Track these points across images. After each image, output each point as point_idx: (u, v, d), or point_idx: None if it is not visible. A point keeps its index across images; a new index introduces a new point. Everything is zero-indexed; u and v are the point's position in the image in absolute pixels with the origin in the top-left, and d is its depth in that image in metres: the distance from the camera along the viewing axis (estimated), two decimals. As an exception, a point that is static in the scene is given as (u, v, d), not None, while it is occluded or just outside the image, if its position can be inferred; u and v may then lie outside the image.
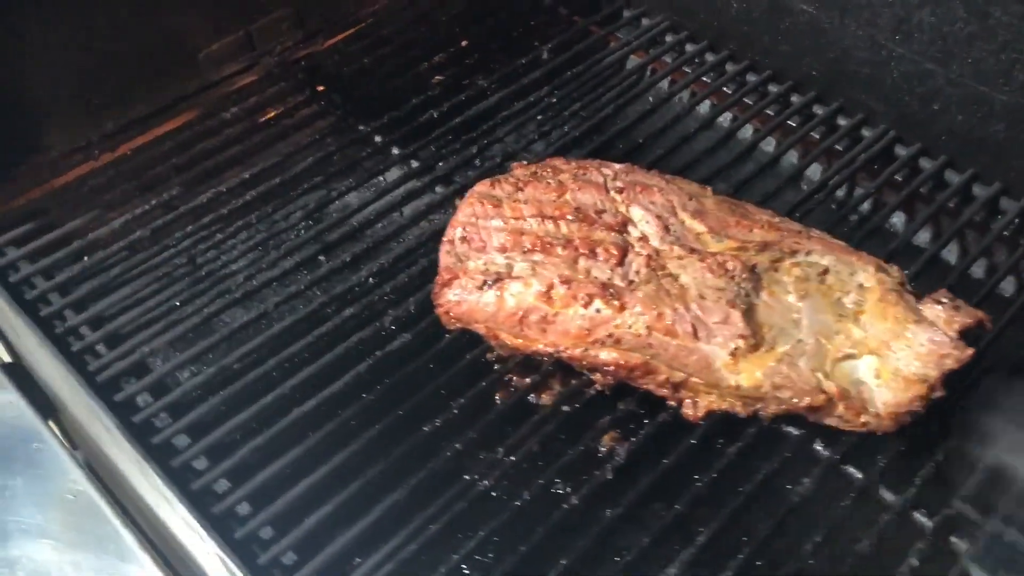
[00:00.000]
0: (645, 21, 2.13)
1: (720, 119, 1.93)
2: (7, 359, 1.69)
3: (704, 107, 1.97)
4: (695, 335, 1.30)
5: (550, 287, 1.35)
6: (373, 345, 1.46)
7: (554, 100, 1.91)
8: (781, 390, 1.28)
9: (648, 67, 2.05)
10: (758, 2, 1.93)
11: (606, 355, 1.33)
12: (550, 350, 1.37)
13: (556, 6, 2.21)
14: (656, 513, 1.28)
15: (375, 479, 1.30)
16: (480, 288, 1.39)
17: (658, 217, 1.42)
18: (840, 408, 1.28)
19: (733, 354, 1.29)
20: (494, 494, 1.30)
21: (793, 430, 1.36)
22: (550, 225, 1.42)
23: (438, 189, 1.73)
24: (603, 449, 1.36)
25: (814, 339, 1.30)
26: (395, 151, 1.80)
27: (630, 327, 1.32)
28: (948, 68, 1.67)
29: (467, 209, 1.46)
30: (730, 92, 1.96)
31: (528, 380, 1.42)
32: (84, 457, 1.51)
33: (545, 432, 1.36)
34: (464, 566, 1.26)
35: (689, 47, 2.05)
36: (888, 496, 1.30)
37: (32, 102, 1.72)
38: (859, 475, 1.32)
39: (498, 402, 1.41)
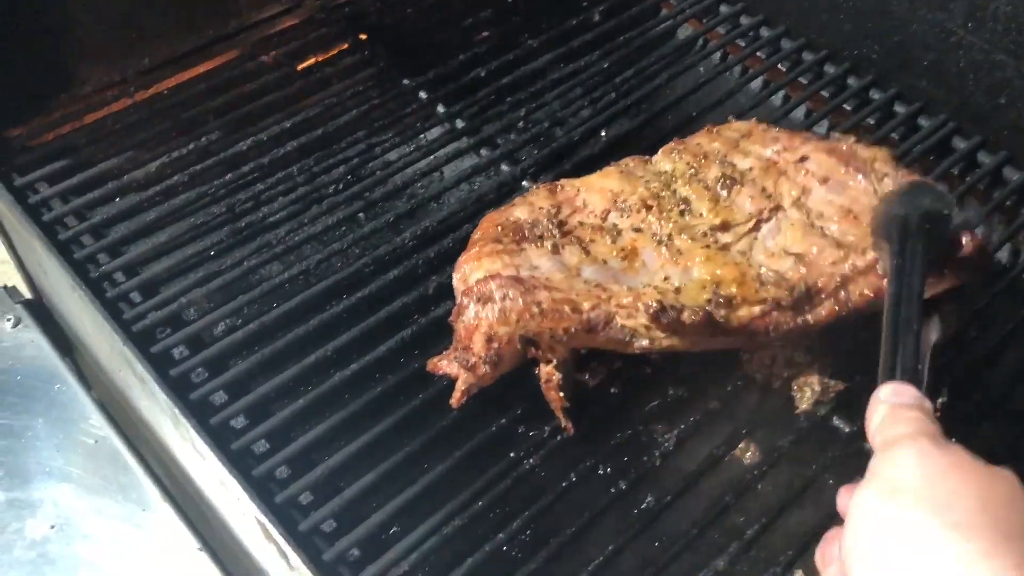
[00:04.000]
0: (699, -11, 2.07)
1: (773, 98, 1.88)
2: (27, 295, 1.65)
3: (756, 84, 1.92)
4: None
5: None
6: (417, 310, 1.42)
7: (605, 65, 1.85)
8: None
9: (701, 38, 1.99)
10: (821, -23, 1.87)
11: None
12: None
13: (608, -34, 2.14)
14: (701, 501, 1.25)
15: (417, 450, 1.27)
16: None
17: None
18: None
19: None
20: (542, 473, 1.27)
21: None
22: None
23: (483, 152, 1.67)
24: (652, 435, 1.33)
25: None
26: (440, 109, 1.74)
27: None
28: (1021, 61, 1.62)
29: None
30: (784, 70, 1.91)
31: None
32: (101, 402, 1.47)
33: (592, 413, 1.33)
34: (507, 546, 1.23)
35: (744, 20, 1.99)
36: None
37: (68, 33, 1.66)
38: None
39: (544, 378, 1.37)
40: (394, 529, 1.21)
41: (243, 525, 1.25)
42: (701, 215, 1.36)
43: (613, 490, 1.25)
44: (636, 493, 1.25)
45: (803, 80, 1.88)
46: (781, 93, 1.88)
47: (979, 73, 1.69)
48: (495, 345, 1.20)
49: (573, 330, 1.20)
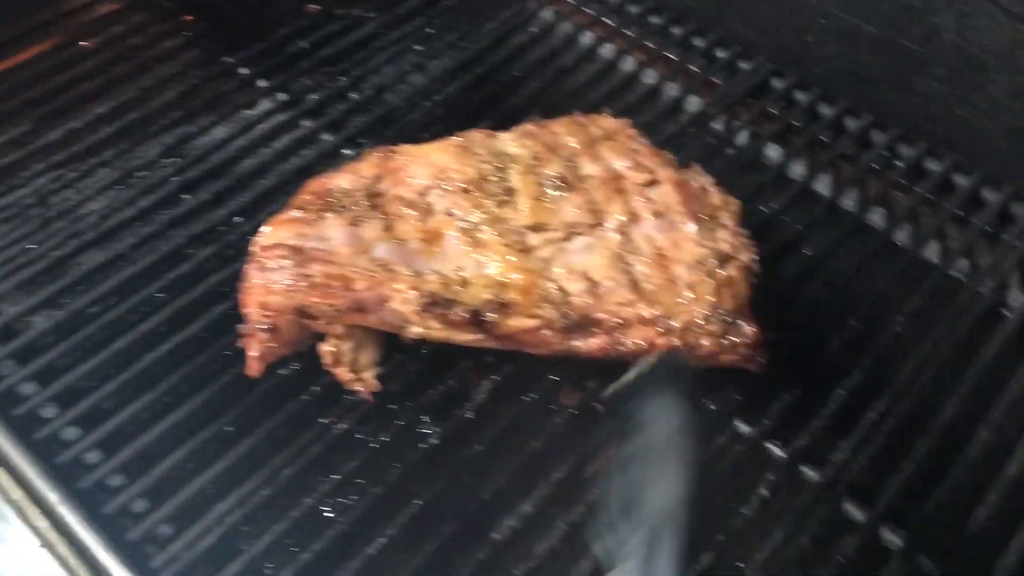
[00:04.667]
0: (529, -52, 2.08)
1: (602, 51, 1.90)
2: None
3: (586, 39, 1.93)
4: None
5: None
6: (232, 287, 1.41)
7: (432, 31, 1.85)
8: None
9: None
10: (639, -71, 1.89)
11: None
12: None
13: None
14: (515, 450, 1.27)
15: (231, 424, 1.28)
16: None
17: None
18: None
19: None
20: (357, 436, 1.29)
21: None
22: None
23: (305, 123, 1.67)
24: (467, 389, 1.35)
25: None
26: (262, 84, 1.73)
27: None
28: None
29: None
30: (613, 24, 1.93)
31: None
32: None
33: (408, 371, 1.35)
34: (325, 508, 1.24)
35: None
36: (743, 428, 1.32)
37: None
38: (713, 408, 1.33)
39: (359, 342, 1.38)
40: (210, 505, 1.21)
41: (56, 514, 1.24)
42: (519, 210, 1.34)
43: (424, 445, 1.27)
44: (450, 446, 1.27)
45: (630, 32, 1.91)
46: (610, 46, 1.91)
47: (785, 14, 1.73)
48: (268, 314, 1.21)
49: (342, 307, 1.21)
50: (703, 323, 1.23)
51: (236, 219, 1.51)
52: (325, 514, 1.23)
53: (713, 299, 1.25)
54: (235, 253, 1.45)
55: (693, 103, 1.82)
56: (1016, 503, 1.25)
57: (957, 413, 1.32)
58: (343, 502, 1.26)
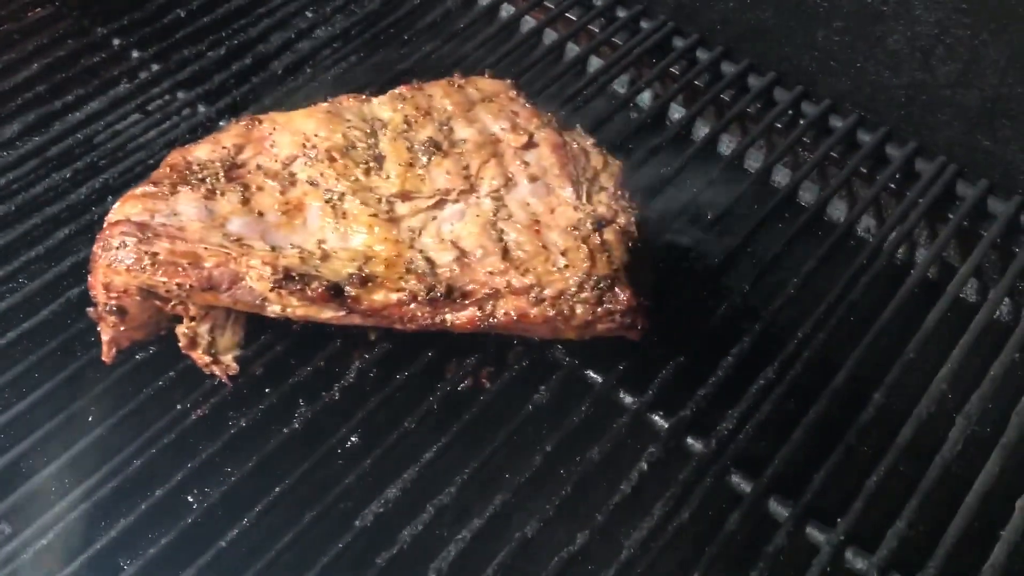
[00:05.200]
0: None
1: (501, 13, 1.83)
2: None
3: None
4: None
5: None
6: (88, 268, 1.33)
7: (323, -7, 1.77)
8: None
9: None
10: None
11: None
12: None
13: None
14: (384, 432, 1.20)
15: (81, 412, 1.20)
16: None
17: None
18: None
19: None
20: (211, 423, 1.21)
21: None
22: None
23: (179, 95, 1.58)
24: (337, 369, 1.28)
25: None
26: (135, 55, 1.64)
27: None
28: (715, -49, 1.60)
29: None
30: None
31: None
32: None
33: (275, 352, 1.27)
34: (181, 497, 1.17)
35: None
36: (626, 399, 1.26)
37: None
38: (599, 380, 1.27)
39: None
40: (51, 502, 1.13)
41: None
42: (388, 178, 1.26)
43: (287, 430, 1.19)
44: (316, 430, 1.20)
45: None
46: (510, 8, 1.83)
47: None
48: (113, 295, 1.13)
49: (190, 286, 1.13)
50: (576, 291, 1.17)
51: (105, 198, 1.42)
52: (181, 504, 1.16)
53: (587, 265, 1.18)
54: (89, 235, 1.37)
55: (594, 64, 1.75)
56: (910, 471, 1.20)
57: (850, 377, 1.27)
58: (204, 491, 1.19)
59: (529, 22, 1.81)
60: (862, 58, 1.55)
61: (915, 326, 1.33)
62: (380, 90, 1.44)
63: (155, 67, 1.62)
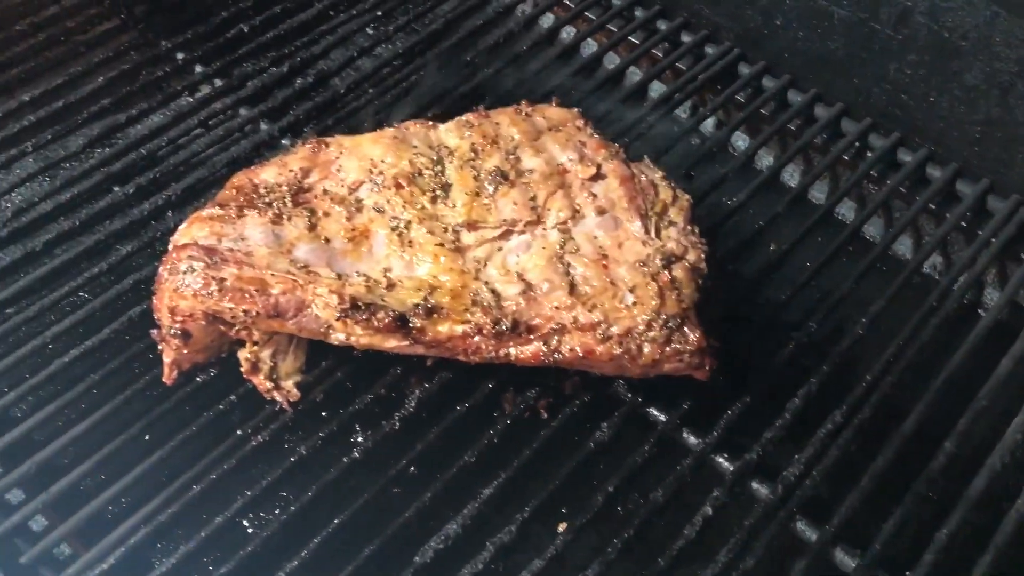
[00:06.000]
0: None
1: (563, 34, 1.81)
2: None
3: (546, 21, 1.84)
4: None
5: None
6: (149, 286, 1.32)
7: (380, 13, 1.76)
8: None
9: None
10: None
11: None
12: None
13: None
14: (444, 465, 1.19)
15: (142, 434, 1.20)
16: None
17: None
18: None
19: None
20: (284, 446, 1.21)
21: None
22: None
23: (242, 112, 1.58)
24: (398, 397, 1.26)
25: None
26: (198, 70, 1.64)
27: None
28: (787, -21, 1.57)
29: None
30: (573, 6, 1.83)
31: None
32: None
33: (336, 379, 1.26)
34: (239, 524, 1.17)
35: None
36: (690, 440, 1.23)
37: None
38: (662, 418, 1.24)
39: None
40: (113, 523, 1.13)
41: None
42: (454, 206, 1.25)
43: (348, 459, 1.18)
44: (375, 460, 1.19)
45: (591, 15, 1.81)
46: (571, 29, 1.82)
47: (753, -4, 1.64)
48: (179, 318, 1.12)
49: (256, 313, 1.12)
50: (644, 329, 1.15)
51: (165, 213, 1.43)
52: (242, 530, 1.15)
53: (656, 303, 1.16)
54: (162, 249, 1.35)
55: (656, 89, 1.73)
56: (983, 524, 1.17)
57: (919, 424, 1.24)
58: (262, 517, 1.19)
59: (591, 45, 1.80)
60: (935, 92, 1.51)
61: (987, 371, 1.30)
62: (444, 114, 1.43)
63: (218, 82, 1.62)
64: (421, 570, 1.09)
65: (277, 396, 1.20)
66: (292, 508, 1.14)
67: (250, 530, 1.18)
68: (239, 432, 1.19)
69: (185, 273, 1.13)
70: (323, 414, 1.24)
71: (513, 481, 1.17)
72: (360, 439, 1.22)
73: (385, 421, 1.22)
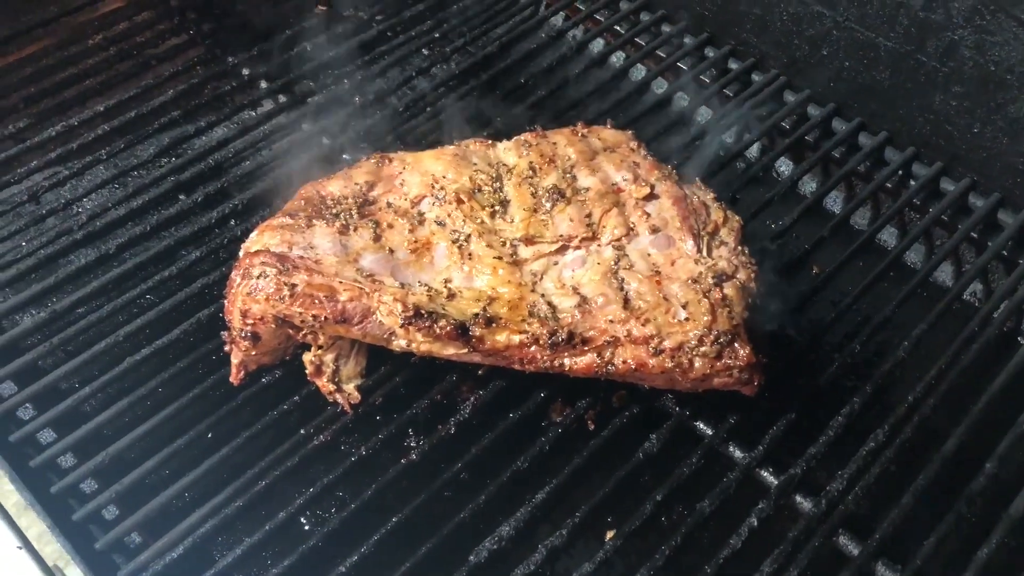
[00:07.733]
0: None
1: (612, 59, 1.86)
2: None
3: (596, 46, 1.89)
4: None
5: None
6: (218, 290, 1.39)
7: (437, 35, 1.82)
8: None
9: (542, 2, 1.96)
10: (652, -61, 1.85)
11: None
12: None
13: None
14: (498, 469, 1.23)
15: (209, 431, 1.25)
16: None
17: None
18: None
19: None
20: (341, 447, 1.26)
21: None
22: None
23: (306, 126, 1.64)
24: (453, 403, 1.31)
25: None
26: (263, 85, 1.71)
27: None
28: (835, 11, 1.61)
29: None
30: (623, 31, 1.89)
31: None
32: None
33: (394, 384, 1.31)
34: (300, 520, 1.22)
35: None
36: (736, 454, 1.27)
37: None
38: (709, 432, 1.28)
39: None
40: (180, 515, 1.18)
41: (25, 518, 1.21)
42: (512, 221, 1.30)
43: (406, 460, 1.23)
44: (432, 462, 1.23)
45: (641, 41, 1.87)
46: (620, 54, 1.87)
47: (801, 25, 1.68)
48: (249, 321, 1.18)
49: (324, 318, 1.17)
50: (696, 344, 1.19)
51: (229, 222, 1.48)
52: (300, 527, 1.20)
53: (708, 319, 1.20)
54: (226, 256, 1.43)
55: (704, 114, 1.78)
56: (1022, 546, 1.19)
57: (962, 444, 1.27)
58: (320, 515, 1.24)
59: (640, 70, 1.85)
60: (979, 124, 1.55)
61: (1028, 397, 1.33)
62: (500, 132, 1.49)
63: (281, 98, 1.68)
64: (476, 569, 1.13)
65: (339, 398, 1.25)
66: (352, 506, 1.18)
67: (307, 527, 1.23)
68: (301, 432, 1.24)
69: (258, 278, 1.18)
70: (380, 418, 1.29)
71: (563, 488, 1.21)
72: (415, 443, 1.27)
73: (440, 426, 1.26)
